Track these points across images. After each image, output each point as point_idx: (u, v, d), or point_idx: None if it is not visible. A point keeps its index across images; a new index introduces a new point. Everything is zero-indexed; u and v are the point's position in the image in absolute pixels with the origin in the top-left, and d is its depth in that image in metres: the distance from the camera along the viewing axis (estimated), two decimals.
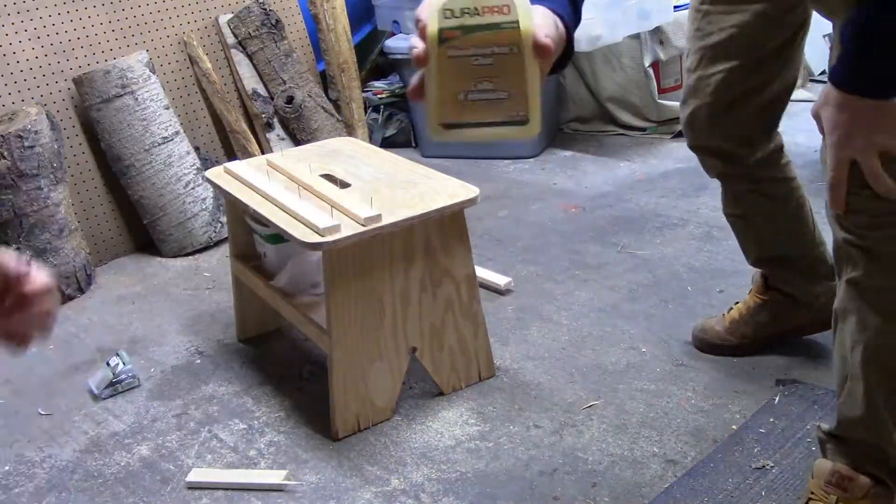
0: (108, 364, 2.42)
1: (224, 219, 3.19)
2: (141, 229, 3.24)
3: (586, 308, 2.57)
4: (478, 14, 1.05)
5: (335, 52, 3.65)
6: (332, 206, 2.05)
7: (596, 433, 2.04)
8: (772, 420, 2.01)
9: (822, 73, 4.35)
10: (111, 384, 2.36)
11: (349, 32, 3.76)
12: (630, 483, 1.88)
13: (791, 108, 4.05)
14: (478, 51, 1.06)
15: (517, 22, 1.04)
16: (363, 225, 1.95)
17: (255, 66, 3.52)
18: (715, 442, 1.97)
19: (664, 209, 3.16)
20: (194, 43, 3.39)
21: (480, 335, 2.23)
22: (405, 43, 3.79)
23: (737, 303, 2.33)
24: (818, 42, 4.32)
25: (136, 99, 3.07)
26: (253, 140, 3.44)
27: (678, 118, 3.80)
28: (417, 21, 1.05)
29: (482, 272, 2.63)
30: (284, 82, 3.50)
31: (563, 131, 4.10)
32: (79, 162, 3.15)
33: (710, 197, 3.20)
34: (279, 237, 2.27)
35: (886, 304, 1.48)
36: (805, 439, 1.94)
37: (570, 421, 2.09)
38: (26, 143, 2.78)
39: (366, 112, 3.90)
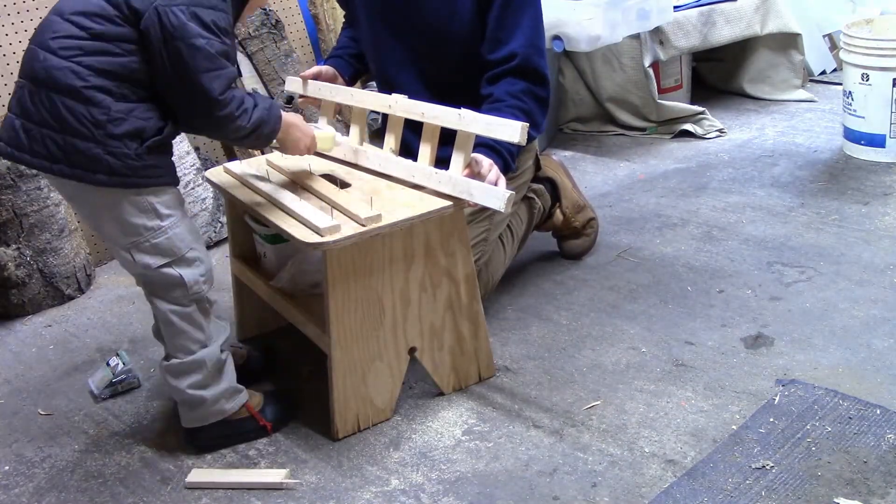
0: (108, 364, 2.42)
1: (224, 219, 3.19)
2: None
3: (586, 308, 2.57)
4: None
5: None
6: (332, 206, 2.05)
7: (596, 433, 2.04)
8: (772, 420, 2.01)
9: (822, 73, 4.35)
10: (111, 384, 2.37)
11: None
12: (630, 483, 1.88)
13: (791, 107, 4.09)
14: None
15: None
16: (363, 225, 1.95)
17: (255, 66, 3.52)
18: (715, 442, 1.97)
19: (664, 209, 3.16)
20: None
21: (480, 335, 2.23)
22: None
23: None
24: (818, 42, 4.32)
25: None
26: None
27: (678, 118, 3.85)
28: None
29: None
30: (284, 82, 3.50)
31: (562, 131, 4.10)
32: None
33: (710, 197, 3.20)
34: (279, 237, 2.27)
35: None
36: (805, 439, 1.94)
37: (570, 421, 2.09)
38: None
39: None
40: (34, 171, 2.78)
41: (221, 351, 2.06)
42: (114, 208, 1.89)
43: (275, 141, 2.06)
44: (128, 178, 1.85)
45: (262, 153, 2.47)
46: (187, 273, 1.97)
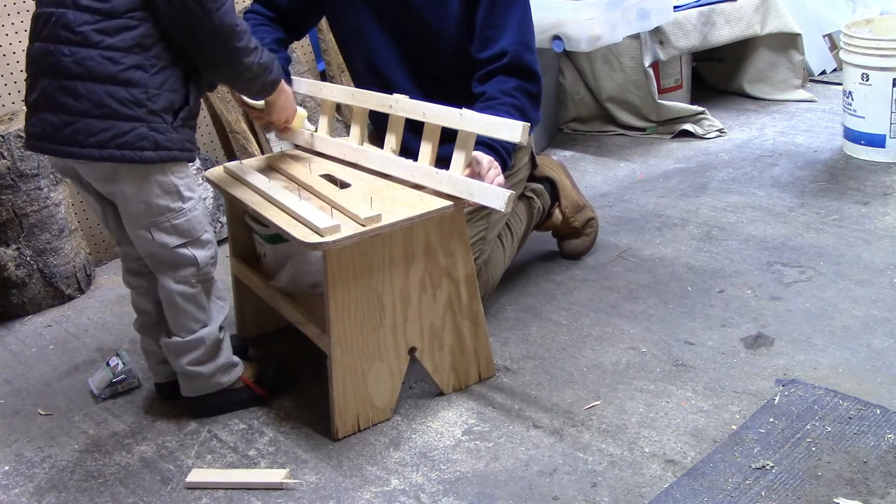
0: (108, 364, 2.42)
1: (224, 219, 3.19)
2: None
3: (586, 308, 2.57)
4: None
5: (335, 52, 3.64)
6: (332, 206, 2.05)
7: (596, 433, 2.04)
8: (772, 420, 2.01)
9: (822, 73, 4.35)
10: (111, 384, 2.37)
11: None
12: (630, 483, 1.88)
13: (791, 107, 4.09)
14: None
15: None
16: (363, 225, 1.95)
17: None
18: (715, 442, 1.97)
19: (664, 209, 3.16)
20: None
21: (480, 335, 2.23)
22: None
23: None
24: (818, 42, 4.32)
25: None
26: (253, 140, 3.44)
27: (678, 118, 3.85)
28: None
29: None
30: None
31: (562, 131, 4.10)
32: None
33: (710, 197, 3.20)
34: (279, 237, 2.27)
35: None
36: (805, 439, 1.94)
37: (570, 421, 2.09)
38: None
39: None
40: (34, 172, 2.79)
41: (220, 329, 2.17)
42: (143, 189, 1.98)
43: (262, 101, 2.24)
44: (171, 151, 1.96)
45: (252, 155, 2.47)
46: (200, 254, 2.08)
